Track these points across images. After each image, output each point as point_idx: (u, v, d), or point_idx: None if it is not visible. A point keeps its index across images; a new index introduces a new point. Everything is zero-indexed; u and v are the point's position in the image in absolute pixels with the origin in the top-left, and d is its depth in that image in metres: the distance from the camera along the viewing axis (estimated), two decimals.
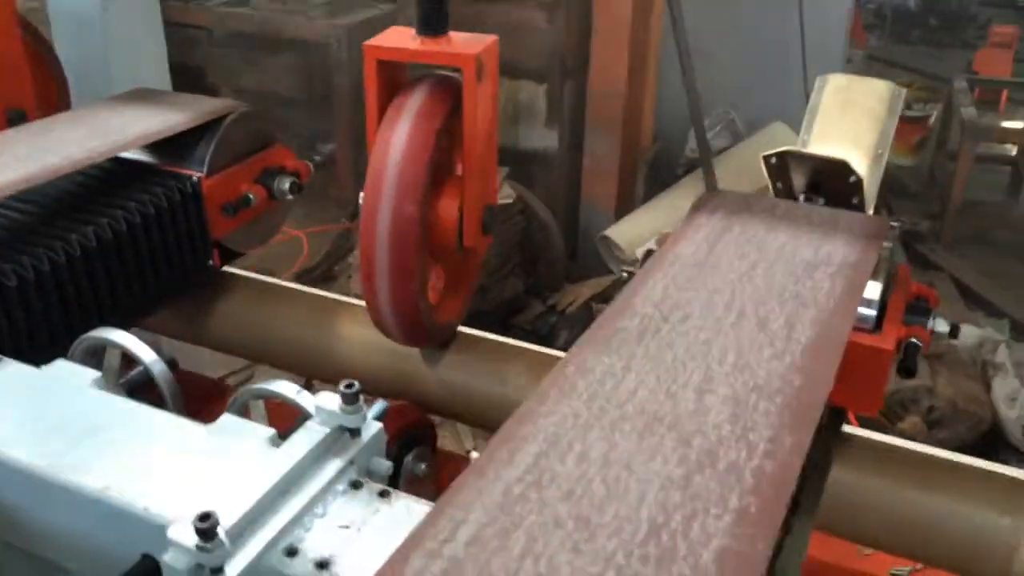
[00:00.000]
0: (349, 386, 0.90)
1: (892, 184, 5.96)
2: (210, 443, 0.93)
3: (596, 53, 4.74)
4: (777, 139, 4.84)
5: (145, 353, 1.10)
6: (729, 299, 1.04)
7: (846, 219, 1.26)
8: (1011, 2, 9.77)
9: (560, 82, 4.75)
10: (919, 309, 1.27)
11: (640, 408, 0.85)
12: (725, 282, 1.08)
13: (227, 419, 0.97)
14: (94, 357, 1.13)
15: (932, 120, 6.56)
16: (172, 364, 1.15)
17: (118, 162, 1.53)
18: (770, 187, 3.11)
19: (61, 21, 2.69)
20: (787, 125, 4.76)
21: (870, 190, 3.24)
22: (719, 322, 0.99)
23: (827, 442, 1.26)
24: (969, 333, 4.33)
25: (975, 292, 4.91)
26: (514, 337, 1.56)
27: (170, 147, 1.55)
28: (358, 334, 1.58)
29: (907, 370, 1.19)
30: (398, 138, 1.27)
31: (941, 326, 1.26)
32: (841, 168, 2.48)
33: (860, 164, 3.21)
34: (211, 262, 1.56)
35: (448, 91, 1.33)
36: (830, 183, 2.34)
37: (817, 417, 0.86)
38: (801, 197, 2.38)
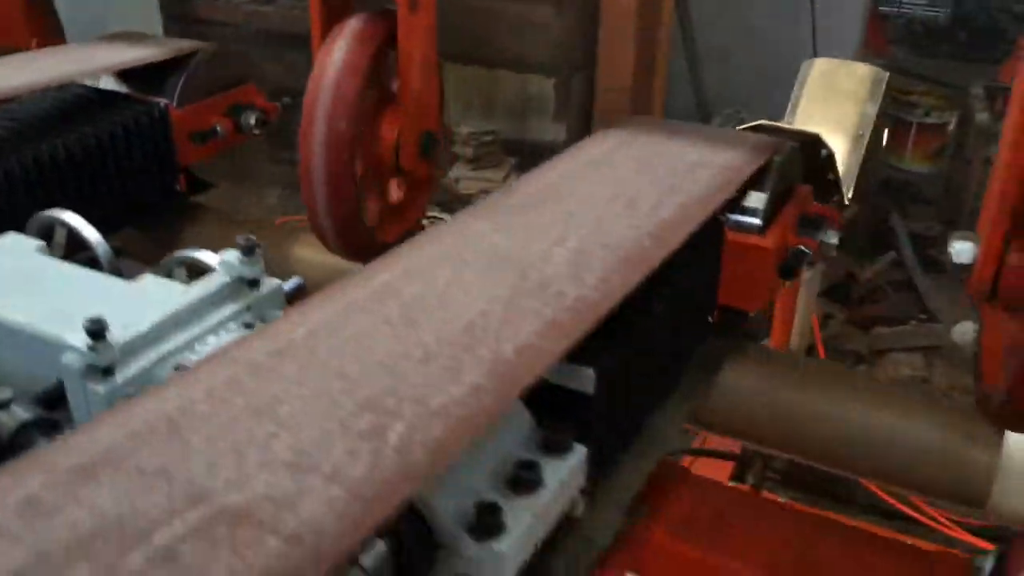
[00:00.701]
0: (247, 240, 1.02)
1: (910, 190, 5.98)
2: (129, 292, 1.05)
3: (603, 47, 4.85)
4: None
5: (91, 234, 1.23)
6: (611, 187, 1.14)
7: (740, 136, 1.36)
8: None
9: (568, 76, 4.87)
10: (811, 222, 1.36)
11: (494, 253, 0.95)
12: (614, 175, 1.18)
13: (149, 277, 1.09)
14: (47, 238, 1.26)
15: (950, 128, 6.57)
16: (118, 251, 1.27)
17: (97, 92, 1.67)
18: None
19: None
20: None
21: (850, 168, 3.32)
22: (594, 201, 1.10)
23: (721, 343, 1.36)
24: (966, 328, 4.36)
25: None
26: None
27: (146, 80, 1.70)
28: (316, 257, 1.70)
29: (787, 271, 1.28)
30: (334, 60, 1.40)
31: (831, 239, 1.36)
32: (814, 142, 2.58)
33: (839, 143, 3.29)
34: (178, 187, 1.70)
35: (385, 21, 1.45)
36: (806, 159, 2.44)
37: (652, 267, 0.96)
38: None
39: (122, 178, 1.58)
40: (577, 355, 0.93)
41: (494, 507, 0.80)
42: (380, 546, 0.79)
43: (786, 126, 2.59)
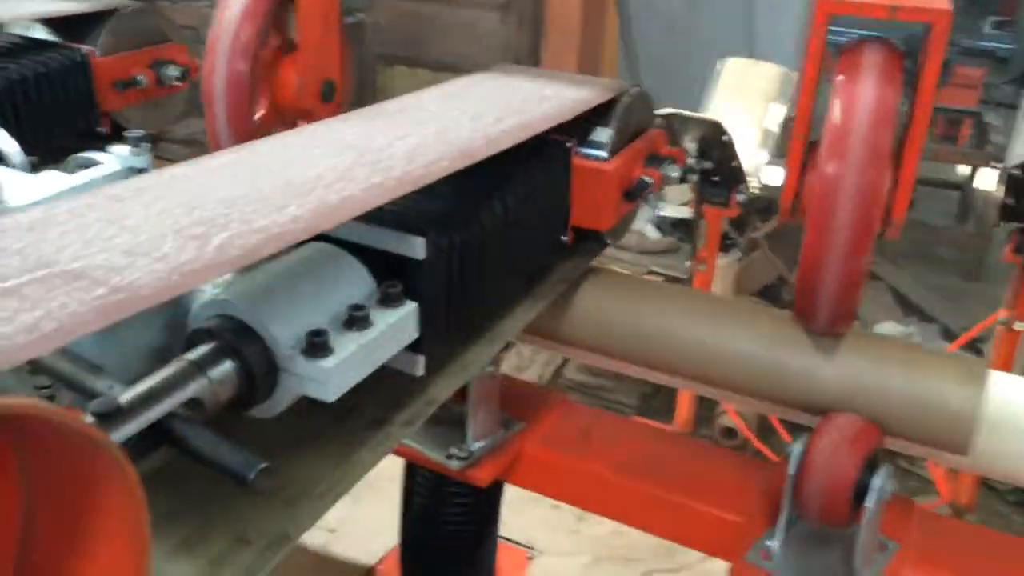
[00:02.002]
0: (137, 134, 1.17)
1: None
2: (30, 181, 1.20)
3: (546, 53, 5.07)
4: None
5: (6, 143, 1.37)
6: (464, 106, 1.31)
7: (595, 81, 1.52)
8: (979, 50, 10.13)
9: None
10: (657, 159, 1.54)
11: (342, 141, 1.11)
12: (469, 98, 1.35)
13: (51, 171, 1.23)
14: None
15: None
16: (34, 165, 1.41)
17: (24, 38, 1.82)
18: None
19: None
20: None
21: (758, 160, 3.53)
22: (444, 114, 1.26)
23: (576, 263, 1.52)
24: (890, 328, 4.61)
25: (912, 301, 5.17)
26: None
27: (78, 31, 1.85)
28: None
29: (631, 194, 1.45)
30: (233, 6, 1.56)
31: (673, 172, 1.53)
32: (715, 129, 2.78)
33: (748, 135, 3.50)
34: (101, 129, 1.84)
35: None
36: (714, 147, 2.64)
37: (477, 158, 1.12)
38: (690, 160, 2.66)
39: (44, 116, 1.72)
40: (414, 228, 1.10)
41: (321, 332, 0.95)
42: (227, 364, 0.94)
43: (692, 114, 2.80)
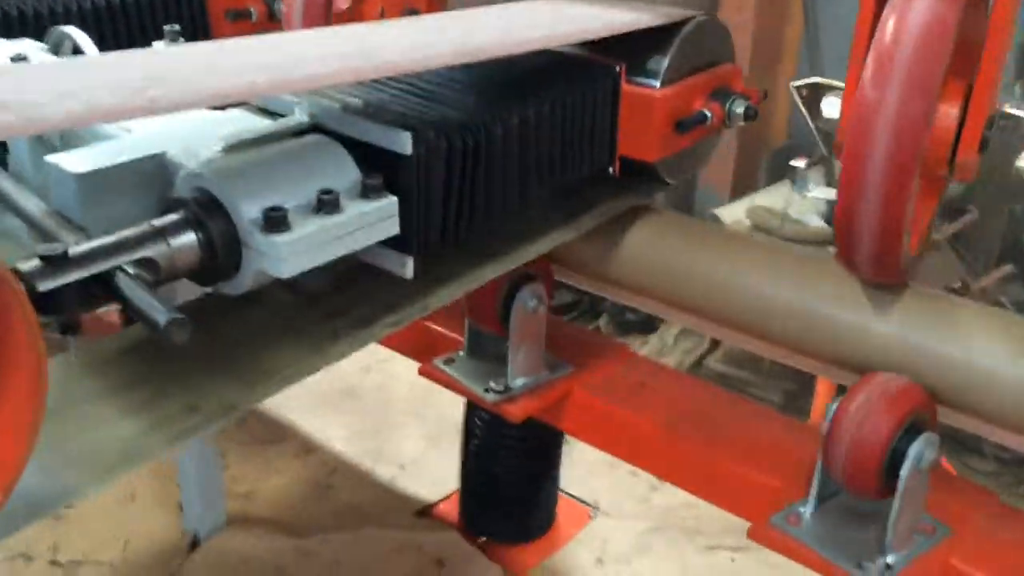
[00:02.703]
0: (173, 28, 1.23)
1: None
2: None
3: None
4: None
5: (87, 45, 1.47)
6: (503, 20, 1.28)
7: (659, 8, 1.44)
8: None
9: None
10: (723, 93, 1.44)
11: (355, 34, 1.12)
12: (514, 14, 1.32)
13: None
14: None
15: None
16: None
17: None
18: (805, 115, 3.23)
19: None
20: None
21: None
22: (478, 25, 1.24)
23: (623, 199, 1.46)
24: None
25: None
26: None
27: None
28: None
29: (683, 125, 1.37)
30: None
31: (738, 108, 1.43)
32: None
33: None
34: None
35: None
36: None
37: (472, 59, 1.09)
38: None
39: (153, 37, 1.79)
40: (403, 124, 1.08)
41: (279, 208, 0.96)
42: (189, 232, 0.97)
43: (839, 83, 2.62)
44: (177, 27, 1.24)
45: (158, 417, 0.97)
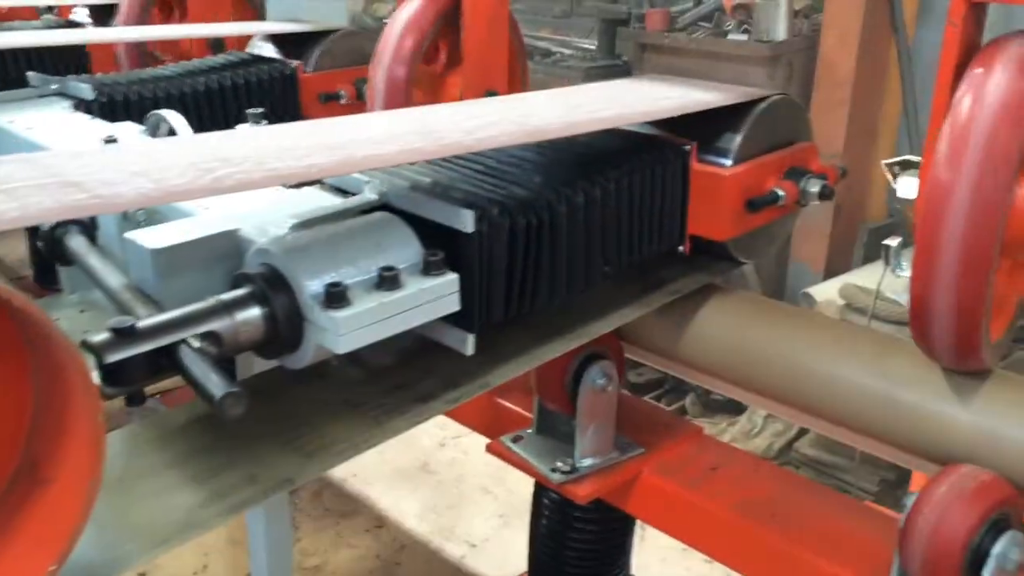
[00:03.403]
0: (256, 111, 1.29)
1: None
2: None
3: (815, 112, 4.85)
4: None
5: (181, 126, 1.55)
6: (575, 99, 1.30)
7: (733, 87, 1.45)
8: None
9: None
10: (796, 172, 1.42)
11: (421, 119, 1.15)
12: (589, 94, 1.34)
13: None
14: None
15: None
16: None
17: (253, 55, 2.06)
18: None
19: None
20: None
21: None
22: (548, 105, 1.26)
23: (694, 278, 1.44)
24: None
25: None
26: None
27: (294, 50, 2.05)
28: None
29: (754, 204, 1.36)
30: (400, 18, 1.66)
31: (812, 187, 1.41)
32: None
33: None
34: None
35: None
36: None
37: (539, 138, 1.11)
38: None
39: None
40: (465, 202, 1.10)
41: (339, 284, 0.98)
42: (254, 307, 1.00)
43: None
44: (261, 110, 1.30)
45: (217, 488, 0.98)
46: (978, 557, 1.08)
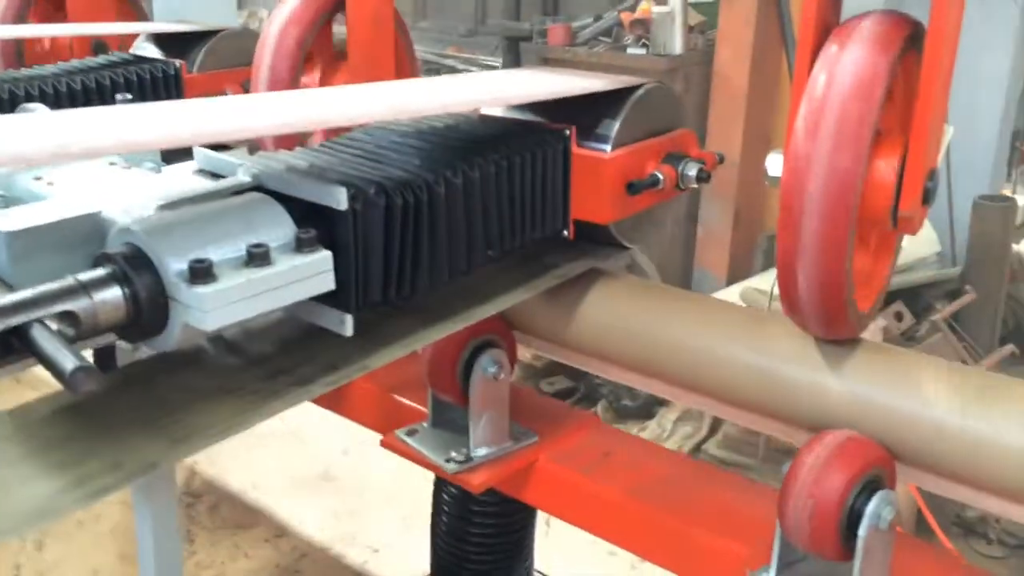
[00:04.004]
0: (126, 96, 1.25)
1: None
2: None
3: (712, 124, 4.98)
4: None
5: None
6: (463, 86, 1.31)
7: (613, 77, 1.47)
8: None
9: None
10: (676, 157, 1.45)
11: (301, 99, 1.13)
12: (476, 82, 1.35)
13: None
14: None
15: None
16: None
17: (136, 56, 2.00)
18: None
19: None
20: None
21: None
22: (431, 88, 1.26)
23: (581, 263, 1.46)
24: None
25: None
26: None
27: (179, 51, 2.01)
28: None
29: (634, 188, 1.38)
30: (281, 13, 1.64)
31: (691, 170, 1.44)
32: None
33: None
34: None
35: None
36: None
37: (402, 114, 1.10)
38: None
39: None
40: (339, 180, 1.09)
41: (204, 260, 0.96)
42: (115, 287, 0.97)
43: None
44: (129, 96, 1.26)
45: (78, 475, 0.95)
46: (853, 518, 1.11)
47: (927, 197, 1.15)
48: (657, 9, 4.88)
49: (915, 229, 1.18)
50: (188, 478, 2.68)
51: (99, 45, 2.16)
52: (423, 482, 1.94)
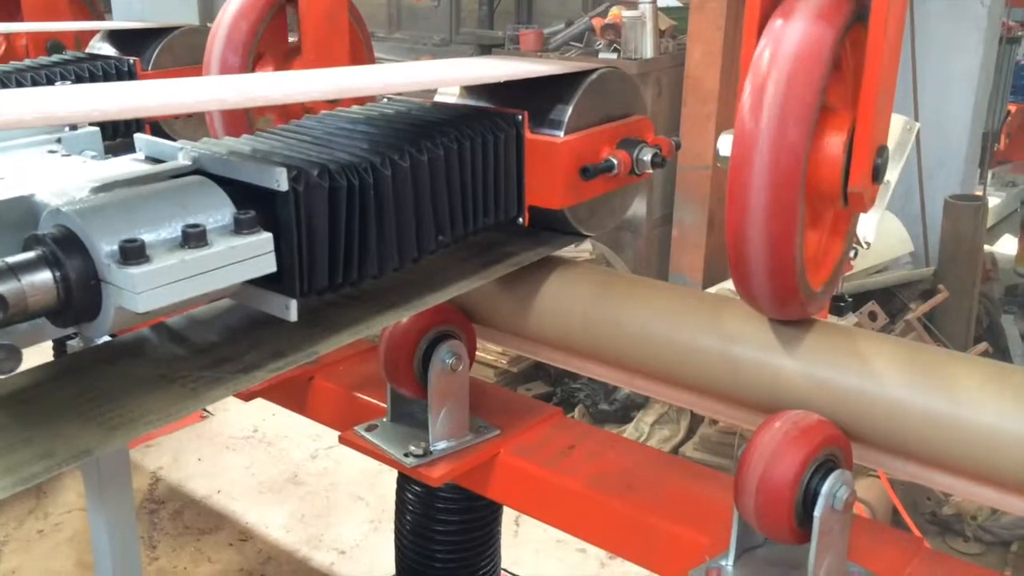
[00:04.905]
0: None
1: None
2: None
3: (684, 126, 4.99)
4: None
5: None
6: (418, 71, 1.29)
7: (578, 64, 1.45)
8: None
9: None
10: (631, 142, 1.44)
11: (253, 80, 1.11)
12: (434, 68, 1.33)
13: None
14: None
15: None
16: None
17: (90, 54, 1.97)
18: None
19: None
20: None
21: (869, 214, 3.31)
22: (384, 74, 1.24)
23: (537, 251, 1.44)
24: None
25: None
26: None
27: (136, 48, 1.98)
28: None
29: (588, 172, 1.36)
30: (232, 4, 1.62)
31: (645, 155, 1.43)
32: None
33: None
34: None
35: None
36: None
37: (348, 94, 1.08)
38: None
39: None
40: (279, 161, 1.07)
41: (136, 240, 0.93)
42: (45, 270, 0.94)
43: None
44: (69, 82, 1.24)
45: (9, 463, 0.92)
46: (808, 498, 1.10)
47: (877, 174, 1.14)
48: (628, 14, 4.89)
49: (866, 207, 1.16)
50: (151, 485, 2.63)
51: (55, 45, 2.13)
52: (391, 484, 1.92)
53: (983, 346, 4.73)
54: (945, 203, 4.68)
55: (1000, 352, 4.94)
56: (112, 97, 0.95)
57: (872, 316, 4.43)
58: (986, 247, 5.16)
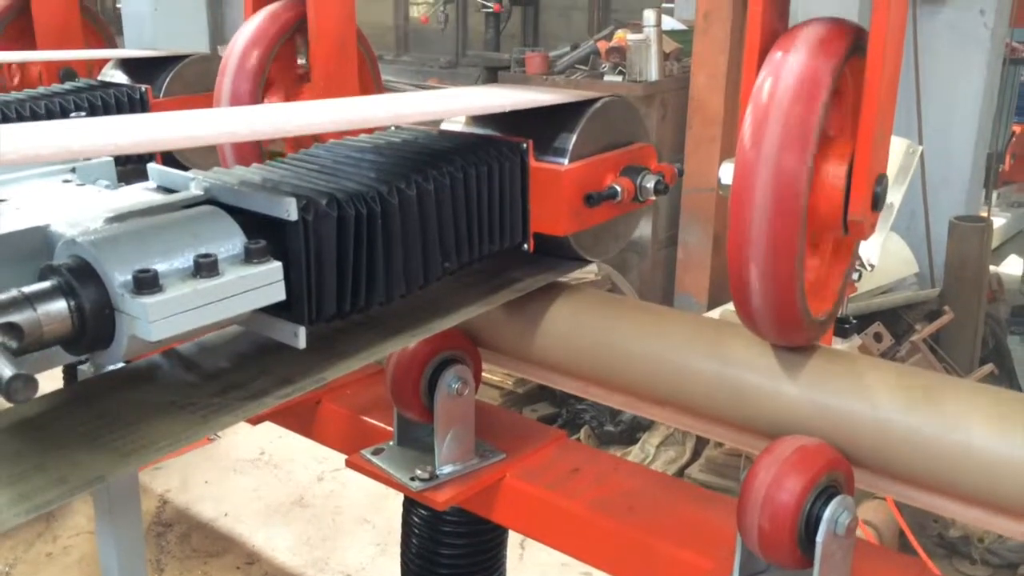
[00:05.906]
0: None
1: None
2: None
3: (689, 149, 5.02)
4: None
5: None
6: (424, 101, 1.31)
7: (573, 92, 1.48)
8: None
9: None
10: (634, 170, 1.46)
11: (264, 113, 1.14)
12: (440, 98, 1.36)
13: None
14: None
15: None
16: None
17: (102, 82, 2.01)
18: None
19: None
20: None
21: (873, 237, 3.32)
22: (394, 103, 1.27)
23: (543, 276, 1.46)
24: None
25: None
26: None
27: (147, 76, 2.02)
28: None
29: (592, 199, 1.38)
30: (244, 32, 1.65)
31: (648, 183, 1.45)
32: None
33: None
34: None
35: None
36: None
37: (358, 125, 1.11)
38: None
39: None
40: (288, 191, 1.09)
41: (149, 270, 0.95)
42: (60, 299, 0.96)
43: None
44: (83, 113, 1.27)
45: (23, 490, 0.93)
46: (811, 524, 1.11)
47: (876, 202, 1.16)
48: (633, 37, 4.93)
49: (866, 235, 1.18)
50: (159, 508, 2.65)
51: (68, 72, 2.16)
52: (398, 507, 1.93)
53: (989, 367, 4.72)
54: (950, 224, 4.69)
55: (1006, 373, 4.93)
56: (126, 131, 0.97)
57: (877, 337, 4.43)
58: (992, 268, 5.16)
